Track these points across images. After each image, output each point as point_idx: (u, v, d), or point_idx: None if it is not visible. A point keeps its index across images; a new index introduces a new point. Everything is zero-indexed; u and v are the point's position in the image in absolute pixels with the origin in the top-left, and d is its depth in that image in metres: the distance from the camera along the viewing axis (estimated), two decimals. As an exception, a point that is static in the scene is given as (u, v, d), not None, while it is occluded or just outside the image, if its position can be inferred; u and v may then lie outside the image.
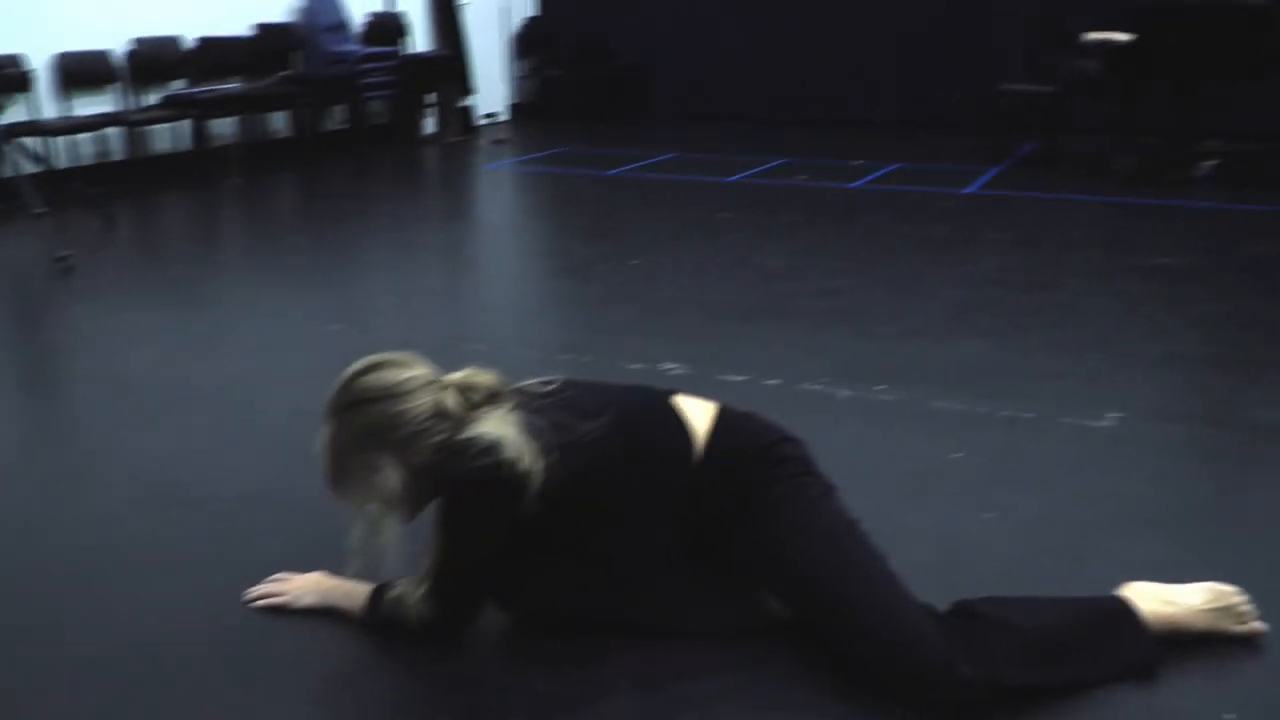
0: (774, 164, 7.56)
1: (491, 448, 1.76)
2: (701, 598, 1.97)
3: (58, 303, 4.31)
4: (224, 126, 7.40)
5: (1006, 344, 3.58)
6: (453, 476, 1.78)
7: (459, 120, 9.19)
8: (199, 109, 7.00)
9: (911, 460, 2.69)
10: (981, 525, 2.35)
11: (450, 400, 1.89)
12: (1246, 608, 1.91)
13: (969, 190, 6.48)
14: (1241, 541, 2.27)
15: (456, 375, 1.96)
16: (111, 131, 6.73)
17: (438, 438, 1.83)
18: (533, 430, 1.81)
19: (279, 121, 7.94)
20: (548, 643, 1.93)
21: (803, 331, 3.71)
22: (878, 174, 7.10)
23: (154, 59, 7.04)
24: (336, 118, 8.43)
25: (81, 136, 6.57)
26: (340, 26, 8.29)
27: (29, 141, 5.80)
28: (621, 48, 10.62)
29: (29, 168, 5.35)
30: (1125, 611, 1.87)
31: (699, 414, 1.96)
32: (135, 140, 6.80)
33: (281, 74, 7.89)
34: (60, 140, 6.43)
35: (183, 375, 3.36)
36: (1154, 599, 1.90)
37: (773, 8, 10.07)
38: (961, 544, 2.27)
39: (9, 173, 5.25)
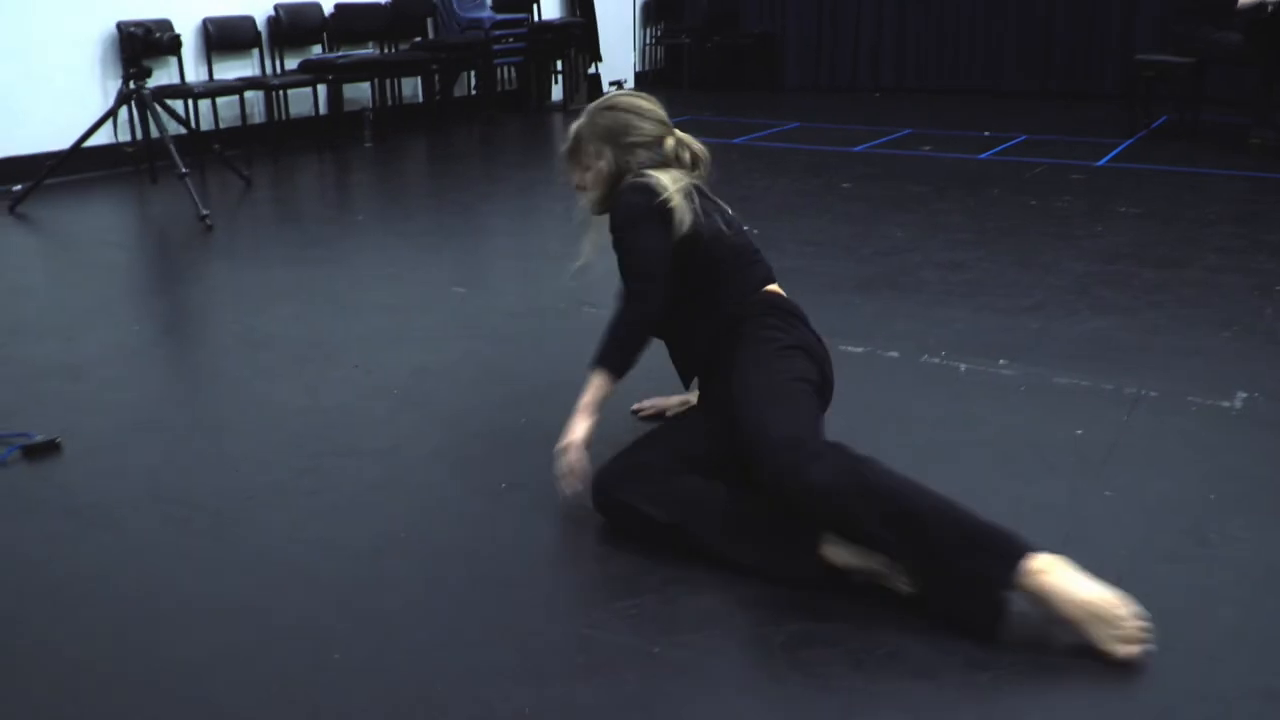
0: (899, 134, 7.43)
1: (657, 188, 2.28)
2: (764, 536, 2.03)
3: (199, 260, 4.51)
4: (359, 91, 7.60)
5: (1134, 320, 3.48)
6: (628, 189, 2.32)
7: (587, 87, 9.24)
8: (335, 74, 7.19)
9: (1032, 435, 2.64)
10: (1102, 503, 2.30)
11: (668, 143, 2.41)
12: (1131, 629, 1.76)
13: (1100, 163, 6.28)
14: (1376, 529, 2.18)
15: (685, 134, 2.47)
16: (251, 95, 6.97)
17: (641, 160, 2.38)
18: (689, 196, 2.31)
19: (411, 87, 8.11)
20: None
21: (924, 303, 3.66)
22: (1005, 145, 6.93)
23: (293, 25, 7.26)
24: (467, 84, 8.57)
25: (223, 100, 6.82)
26: (472, -6, 8.41)
27: (175, 104, 6.05)
28: (749, 17, 10.54)
29: (174, 129, 5.59)
30: (1008, 551, 1.79)
31: (775, 287, 2.41)
32: (274, 103, 7.03)
33: (416, 40, 8.05)
34: (203, 103, 6.69)
35: (316, 332, 3.49)
36: (1056, 569, 1.79)
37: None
38: (1082, 520, 2.23)
39: (156, 134, 5.49)
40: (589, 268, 2.67)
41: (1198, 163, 6.28)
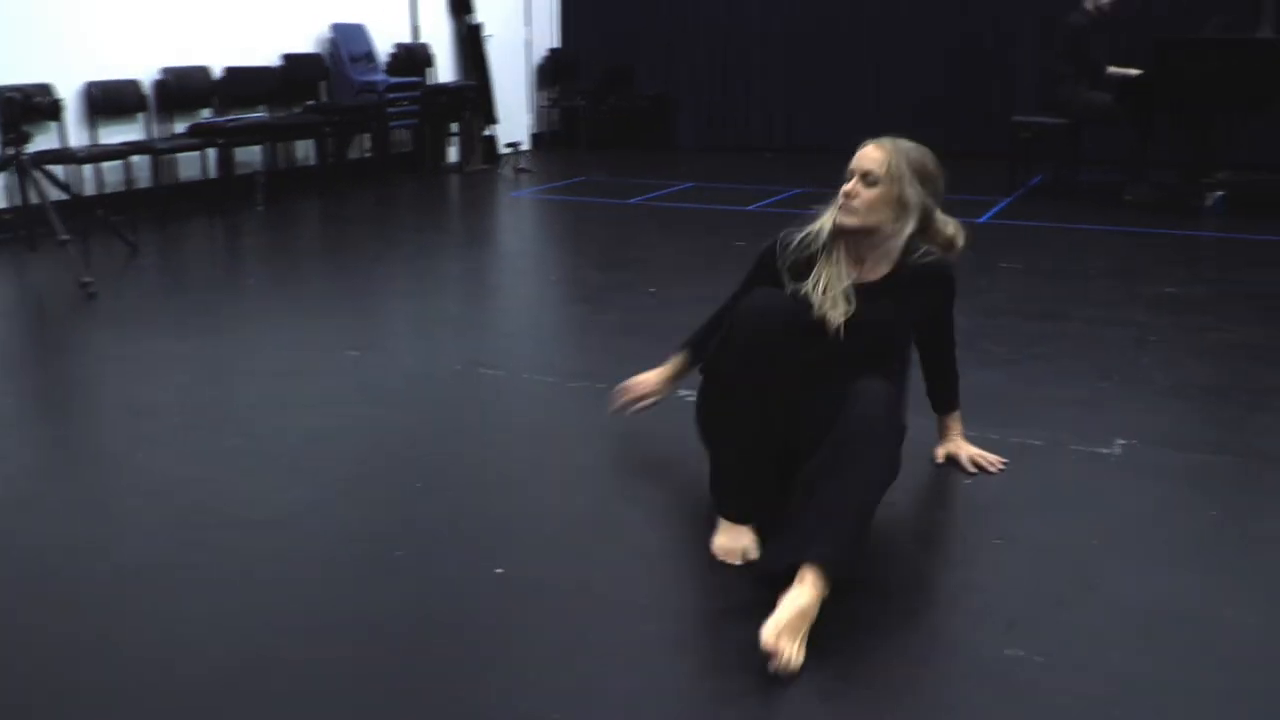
0: (791, 193, 7.60)
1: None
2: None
3: (80, 329, 4.38)
4: (250, 155, 7.51)
5: (1018, 372, 3.59)
6: (949, 268, 2.59)
7: (482, 149, 9.28)
8: (225, 137, 7.10)
9: (923, 488, 2.70)
10: (991, 550, 2.36)
11: (939, 214, 2.57)
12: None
13: (983, 219, 6.50)
14: (1246, 568, 2.28)
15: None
16: (138, 159, 6.83)
17: (929, 217, 2.55)
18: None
19: (304, 150, 8.05)
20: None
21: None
22: (893, 203, 7.12)
23: (181, 88, 7.16)
24: (361, 146, 8.53)
25: (108, 164, 6.67)
26: (367, 57, 8.41)
27: (56, 169, 5.89)
28: (643, 79, 10.73)
29: (56, 195, 5.44)
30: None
31: None
32: (161, 168, 6.91)
33: (308, 103, 8.01)
34: (86, 168, 6.53)
35: (202, 401, 3.41)
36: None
37: (791, 40, 10.17)
38: (973, 567, 2.28)
39: (36, 200, 5.34)
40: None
41: (1076, 219, 6.55)
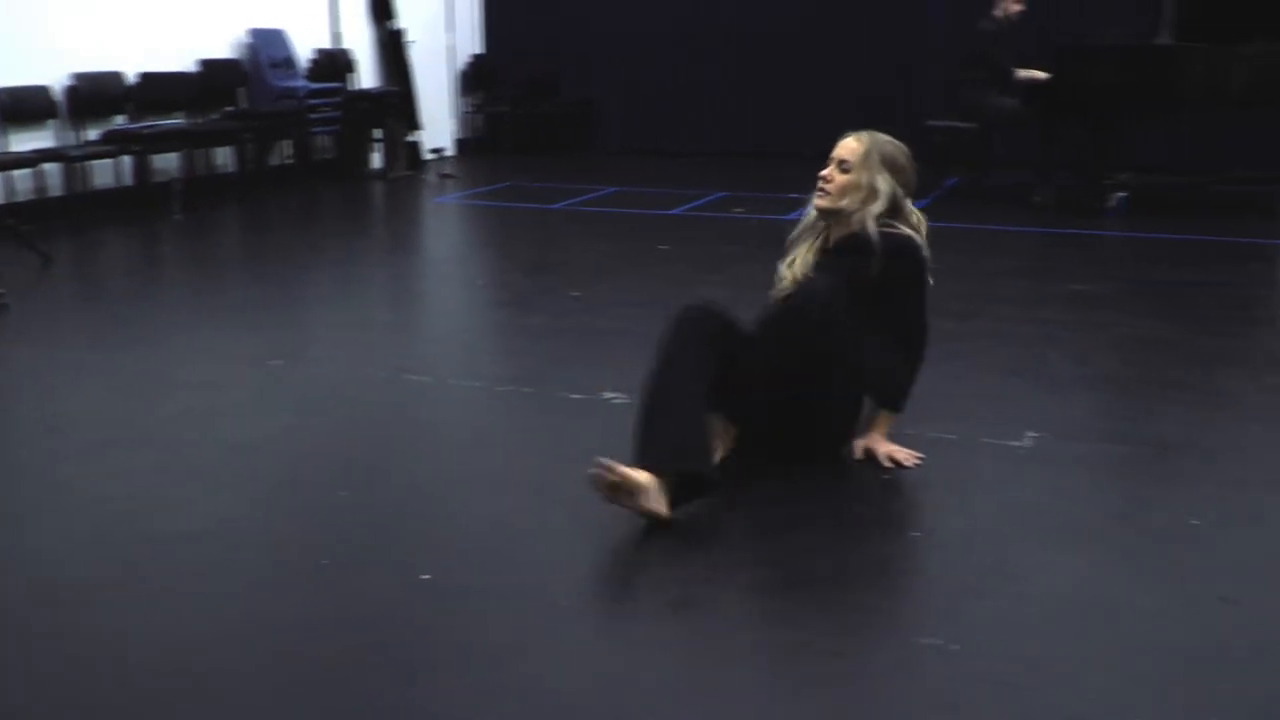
0: (713, 197, 7.67)
1: (928, 257, 2.85)
2: None
3: (-2, 340, 4.26)
4: (167, 162, 7.36)
5: (934, 369, 3.63)
6: (911, 244, 2.82)
7: (406, 155, 9.21)
8: (141, 144, 6.95)
9: (842, 482, 2.75)
10: (908, 543, 2.41)
11: (909, 203, 2.89)
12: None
13: (899, 221, 6.62)
14: (1147, 553, 2.36)
15: None
16: (50, 167, 6.66)
17: (898, 206, 2.84)
18: None
19: (223, 157, 7.91)
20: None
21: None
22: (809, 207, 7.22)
23: (95, 94, 6.99)
24: (282, 153, 8.42)
25: (18, 173, 6.49)
26: (286, 62, 8.30)
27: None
28: (567, 84, 10.73)
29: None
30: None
31: None
32: (75, 176, 6.74)
33: (226, 109, 7.88)
34: (-3, 177, 6.36)
35: (124, 415, 3.34)
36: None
37: (712, 46, 10.24)
38: (890, 560, 2.33)
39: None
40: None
41: (988, 220, 6.69)
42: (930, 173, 7.62)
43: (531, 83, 10.60)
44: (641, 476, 2.38)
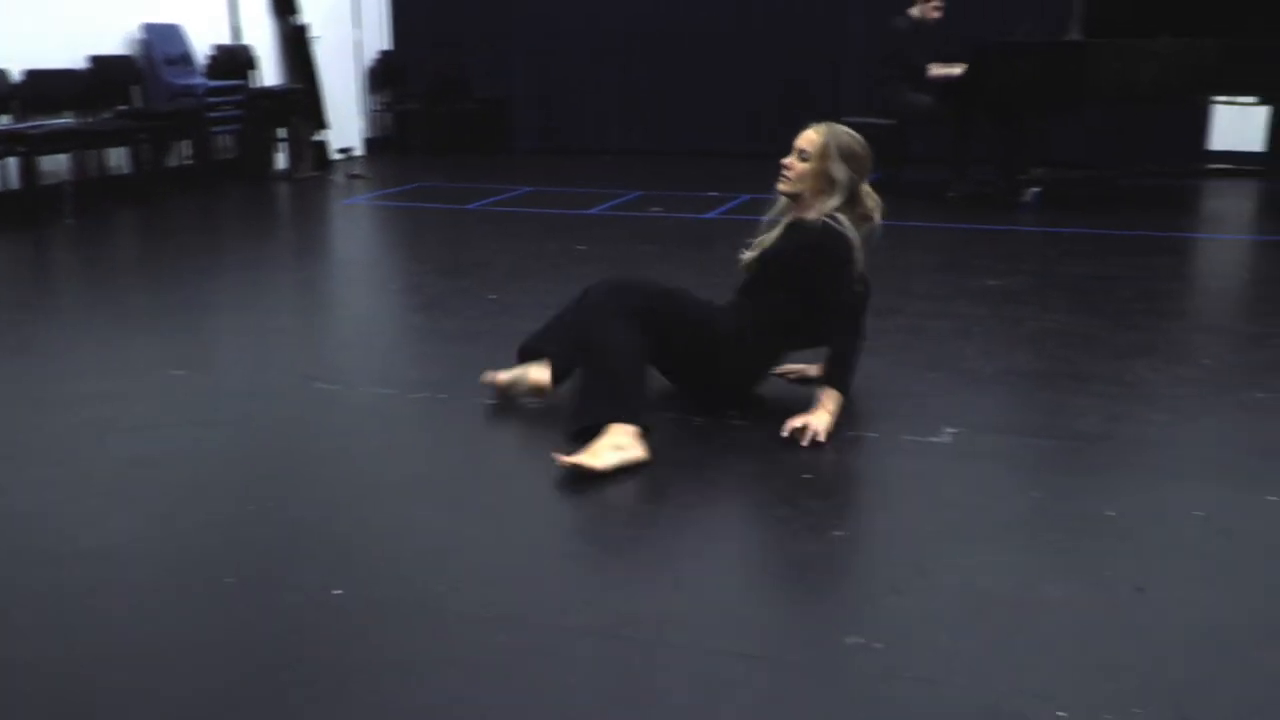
0: (630, 196, 7.68)
1: (855, 244, 3.13)
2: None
3: (-123, 353, 4.09)
4: (56, 164, 7.14)
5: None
6: (835, 234, 3.12)
7: (312, 155, 9.07)
8: (28, 145, 6.74)
9: (764, 486, 2.77)
10: (831, 543, 2.43)
11: (864, 188, 3.24)
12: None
13: (817, 219, 6.70)
14: (1066, 547, 2.42)
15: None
16: (-67, 171, 6.42)
17: (854, 192, 3.19)
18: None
19: (117, 158, 7.70)
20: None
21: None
22: (730, 205, 7.28)
23: (-21, 94, 6.76)
24: (180, 154, 8.22)
25: (-99, 177, 6.25)
26: (183, 59, 8.11)
27: None
28: (478, 82, 10.66)
29: None
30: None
31: None
32: (-39, 180, 6.50)
33: (120, 108, 7.67)
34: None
35: (14, 429, 3.23)
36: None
37: (628, 43, 10.27)
38: (808, 561, 2.35)
39: None
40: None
41: (905, 216, 6.78)
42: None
43: (442, 80, 10.52)
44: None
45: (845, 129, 3.20)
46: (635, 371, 2.93)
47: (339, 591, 2.22)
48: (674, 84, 10.17)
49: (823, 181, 3.15)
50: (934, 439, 3.01)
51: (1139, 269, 5.23)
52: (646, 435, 2.85)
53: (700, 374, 3.28)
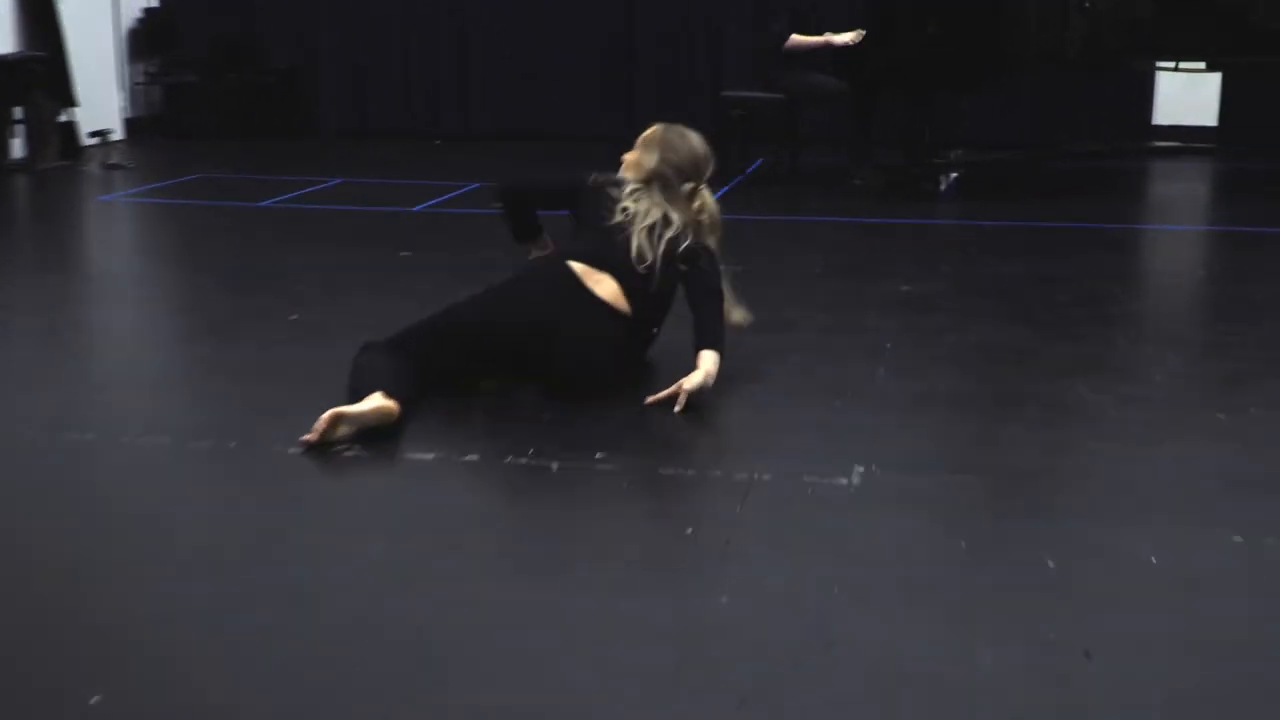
0: (468, 188, 7.65)
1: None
2: None
3: None
4: None
5: (739, 396, 3.76)
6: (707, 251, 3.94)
7: (58, 140, 8.80)
8: None
9: (640, 540, 2.77)
10: (719, 611, 2.44)
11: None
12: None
13: (696, 213, 6.77)
14: (996, 605, 2.47)
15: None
16: None
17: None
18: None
19: None
20: None
21: (502, 393, 3.76)
22: (590, 197, 7.31)
23: None
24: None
25: None
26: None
27: None
28: (274, 47, 10.49)
29: None
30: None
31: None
32: None
33: None
34: None
35: None
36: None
37: (464, 4, 10.22)
38: (696, 638, 2.35)
39: None
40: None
41: (800, 209, 6.96)
42: (729, 154, 7.86)
43: (226, 44, 10.33)
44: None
45: (684, 127, 3.97)
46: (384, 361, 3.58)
47: (97, 699, 2.14)
48: (519, 53, 10.17)
49: (640, 171, 3.87)
50: (839, 480, 3.06)
51: (1077, 268, 5.43)
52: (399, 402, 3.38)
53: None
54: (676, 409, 3.49)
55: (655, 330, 3.88)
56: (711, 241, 3.89)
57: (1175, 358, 4.21)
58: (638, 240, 3.74)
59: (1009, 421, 3.50)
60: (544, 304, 3.69)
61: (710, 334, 3.67)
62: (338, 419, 3.27)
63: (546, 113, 10.11)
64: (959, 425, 3.55)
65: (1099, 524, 2.83)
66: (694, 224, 3.83)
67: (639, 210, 3.78)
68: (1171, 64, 7.73)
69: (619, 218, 3.78)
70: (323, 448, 3.25)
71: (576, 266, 3.74)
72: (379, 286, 5.21)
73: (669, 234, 3.75)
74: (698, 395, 3.52)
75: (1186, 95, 8.72)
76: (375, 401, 3.35)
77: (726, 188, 7.54)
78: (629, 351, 3.82)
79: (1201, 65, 7.74)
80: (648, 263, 3.72)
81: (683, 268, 3.76)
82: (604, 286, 3.71)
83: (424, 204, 7.18)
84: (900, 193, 7.18)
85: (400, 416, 3.38)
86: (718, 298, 3.78)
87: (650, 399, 3.55)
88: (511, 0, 10.12)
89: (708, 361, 3.59)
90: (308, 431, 3.27)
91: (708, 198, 3.94)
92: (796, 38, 7.42)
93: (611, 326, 3.70)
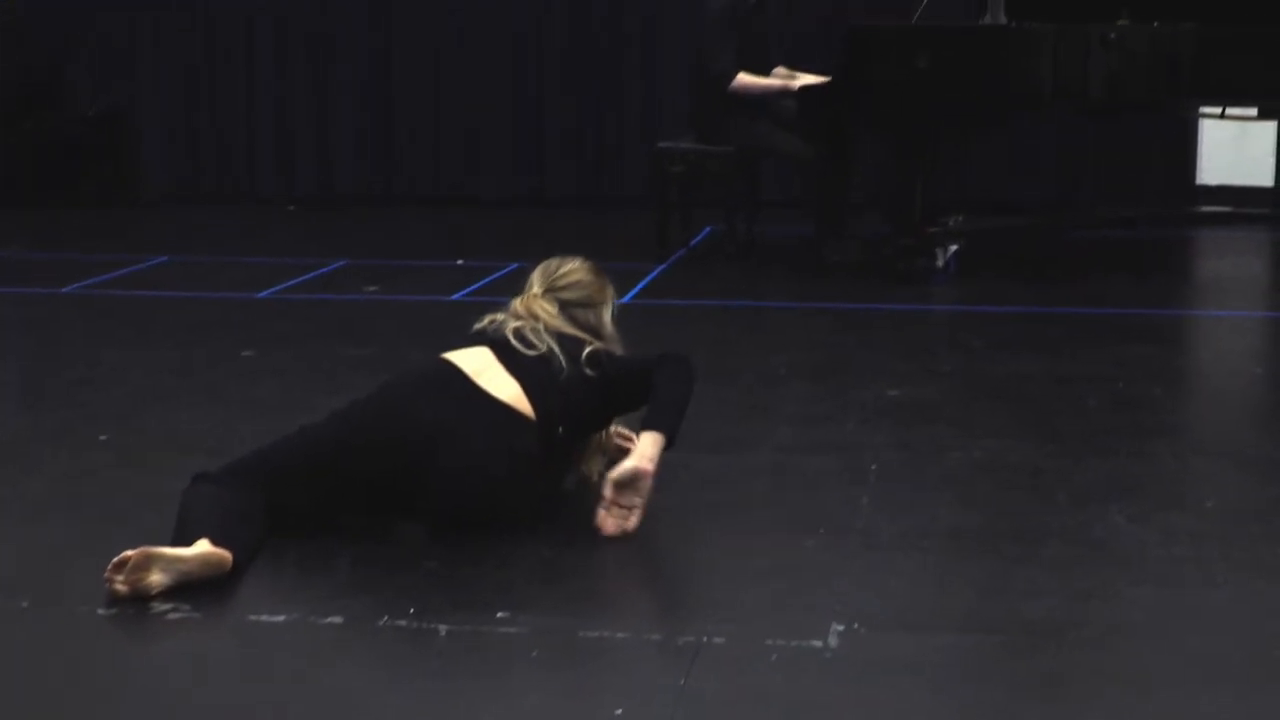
0: (328, 268, 7.64)
1: None
2: None
3: None
4: None
5: (683, 533, 3.76)
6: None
7: None
8: None
9: (549, 726, 2.74)
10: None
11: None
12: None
13: (625, 299, 6.77)
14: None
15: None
16: None
17: None
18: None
19: None
20: None
21: (370, 534, 3.73)
22: (488, 279, 7.32)
23: None
24: None
25: None
26: None
27: None
28: (84, 89, 10.47)
29: None
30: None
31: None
32: None
33: None
34: None
35: None
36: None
37: (321, 33, 10.27)
38: None
39: None
40: None
41: (758, 293, 6.99)
42: (666, 223, 7.89)
43: (23, 85, 10.31)
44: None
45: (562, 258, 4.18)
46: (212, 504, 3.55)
47: None
48: (396, 98, 10.22)
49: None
50: (813, 642, 3.03)
51: (1106, 365, 5.48)
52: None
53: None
54: (608, 529, 3.58)
55: (562, 430, 3.83)
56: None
57: (1228, 477, 4.25)
58: (516, 328, 3.89)
59: (1025, 563, 3.50)
60: (421, 410, 3.69)
61: (658, 409, 3.74)
62: (148, 560, 3.23)
63: (428, 172, 10.14)
64: (963, 569, 3.54)
65: (1142, 694, 2.82)
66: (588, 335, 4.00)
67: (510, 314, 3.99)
68: (1217, 110, 7.89)
69: (483, 324, 3.99)
70: (139, 604, 3.20)
71: (462, 361, 3.79)
72: (214, 396, 5.16)
73: (556, 329, 3.91)
74: (628, 493, 3.60)
75: (1237, 149, 8.89)
76: (201, 548, 3.32)
77: (663, 265, 7.59)
78: (538, 468, 3.78)
79: (1253, 112, 7.90)
80: (540, 351, 3.80)
81: (590, 372, 3.83)
82: (499, 383, 3.73)
83: (272, 288, 7.15)
84: (886, 271, 7.20)
85: (237, 566, 3.35)
86: (671, 366, 3.86)
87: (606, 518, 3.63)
88: (385, 30, 10.18)
89: (645, 445, 3.65)
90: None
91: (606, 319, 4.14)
92: (745, 78, 7.46)
93: (513, 435, 3.68)
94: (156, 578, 3.25)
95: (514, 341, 3.81)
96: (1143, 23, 7.16)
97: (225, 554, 3.34)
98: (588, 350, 3.85)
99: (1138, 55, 7.14)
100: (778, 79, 7.61)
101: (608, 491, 3.60)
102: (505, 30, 10.00)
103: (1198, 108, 8.13)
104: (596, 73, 9.93)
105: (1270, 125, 8.53)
